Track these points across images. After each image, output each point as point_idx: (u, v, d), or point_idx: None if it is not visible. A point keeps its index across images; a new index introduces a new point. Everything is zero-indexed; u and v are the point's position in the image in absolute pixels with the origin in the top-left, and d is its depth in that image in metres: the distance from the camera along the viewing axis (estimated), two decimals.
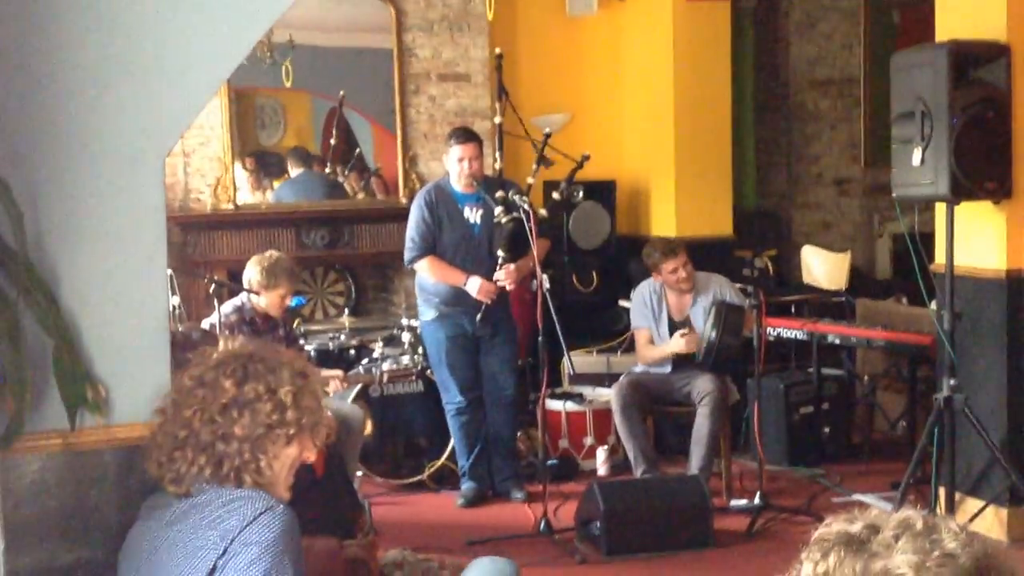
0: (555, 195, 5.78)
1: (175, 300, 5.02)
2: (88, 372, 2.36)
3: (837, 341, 5.89)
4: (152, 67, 2.44)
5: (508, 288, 5.37)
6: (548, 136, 5.69)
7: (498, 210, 5.24)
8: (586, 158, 5.68)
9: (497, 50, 6.76)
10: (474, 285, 5.31)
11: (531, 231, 4.95)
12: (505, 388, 5.49)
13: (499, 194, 5.29)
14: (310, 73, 6.80)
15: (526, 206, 5.04)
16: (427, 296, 5.49)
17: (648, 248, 5.64)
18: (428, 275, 5.44)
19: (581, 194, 6.99)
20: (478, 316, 5.33)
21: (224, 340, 4.27)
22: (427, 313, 5.50)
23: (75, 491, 2.39)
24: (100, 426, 2.39)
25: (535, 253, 4.96)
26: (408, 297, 6.87)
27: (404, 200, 6.73)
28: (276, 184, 6.90)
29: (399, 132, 6.92)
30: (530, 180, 5.64)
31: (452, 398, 5.48)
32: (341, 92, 6.81)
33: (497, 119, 5.82)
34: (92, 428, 2.39)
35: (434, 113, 6.98)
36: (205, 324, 4.87)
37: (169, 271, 3.74)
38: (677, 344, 5.46)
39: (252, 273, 4.96)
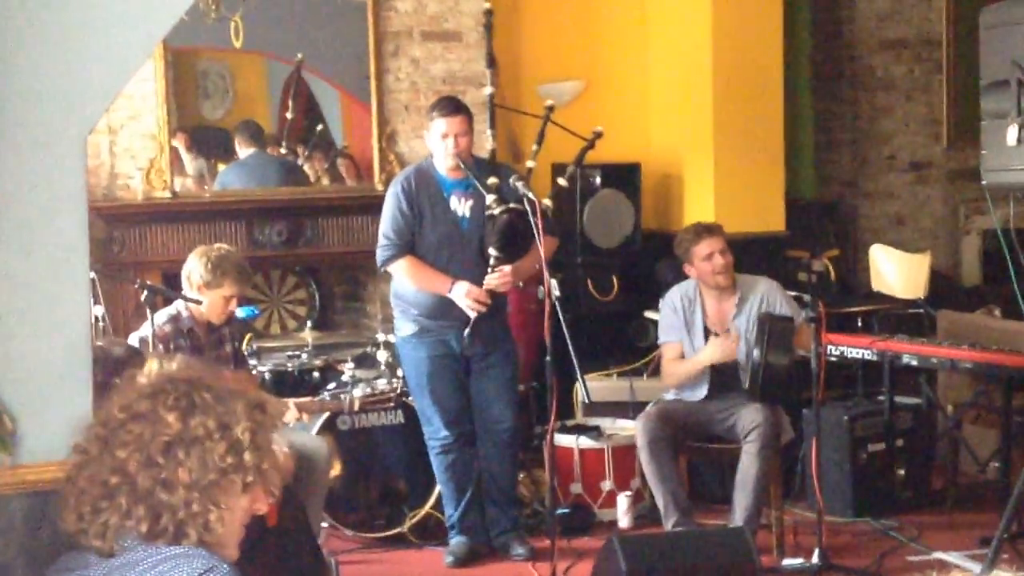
0: (561, 181, 5.77)
1: (98, 310, 5.02)
2: None
3: (914, 363, 5.88)
4: (72, 23, 2.44)
5: (502, 292, 5.36)
6: (551, 109, 5.69)
7: (490, 199, 5.24)
8: (598, 135, 5.67)
9: (486, 3, 6.76)
10: (460, 292, 5.31)
11: (537, 225, 4.95)
12: (501, 421, 5.49)
13: (491, 180, 5.30)
14: (265, 31, 6.81)
15: (530, 194, 5.04)
16: (404, 306, 5.49)
17: (679, 235, 5.65)
18: (406, 280, 5.44)
19: (598, 180, 7.03)
20: (466, 332, 5.33)
21: (156, 358, 4.28)
22: (404, 327, 5.50)
23: None
24: (5, 466, 2.39)
25: (542, 251, 4.95)
26: (384, 307, 6.85)
27: (380, 187, 6.74)
28: (222, 167, 6.90)
29: (374, 103, 6.92)
30: (530, 163, 5.64)
31: (435, 433, 5.48)
32: (299, 55, 6.81)
33: (488, 90, 5.82)
34: None
35: (417, 80, 6.98)
36: (134, 339, 4.86)
37: (92, 274, 3.73)
38: (711, 350, 5.45)
39: (193, 266, 4.97)
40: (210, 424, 2.07)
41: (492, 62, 5.79)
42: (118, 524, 2.02)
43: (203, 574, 1.95)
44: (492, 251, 5.31)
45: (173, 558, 1.98)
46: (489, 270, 5.32)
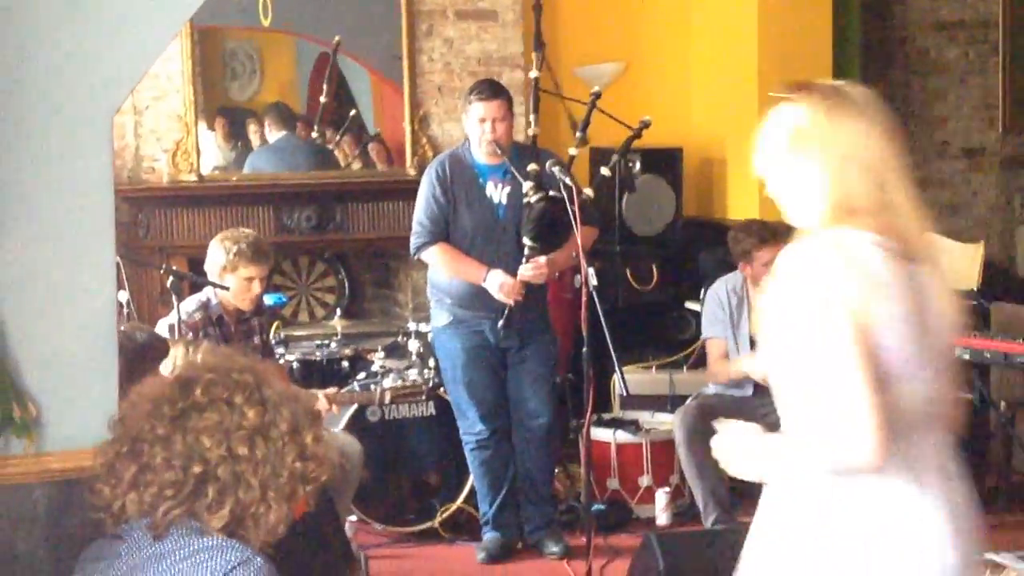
0: (604, 171, 5.74)
1: (123, 296, 5.06)
2: (15, 385, 2.39)
3: (966, 357, 5.85)
4: (98, 2, 2.46)
5: (539, 282, 5.36)
6: (597, 96, 5.67)
7: (527, 186, 5.23)
8: (646, 124, 5.64)
9: None
10: (495, 281, 5.30)
11: (574, 213, 4.94)
12: (537, 415, 5.49)
13: (531, 167, 5.28)
14: (294, 9, 6.83)
15: (567, 180, 5.03)
16: (439, 295, 5.50)
17: (739, 231, 5.62)
18: (439, 268, 5.45)
19: (638, 166, 7.01)
20: (500, 323, 5.33)
21: (184, 346, 4.31)
22: (439, 317, 5.51)
23: None
24: (29, 454, 2.41)
25: (579, 241, 4.94)
26: (416, 295, 6.89)
27: (412, 172, 6.75)
28: (251, 151, 6.93)
29: (406, 85, 6.93)
30: (572, 151, 5.61)
31: (471, 427, 5.49)
32: (336, 37, 6.83)
33: (533, 73, 5.79)
34: (19, 456, 2.42)
35: (451, 61, 6.99)
36: (162, 326, 4.90)
37: (116, 259, 3.74)
38: (750, 368, 5.42)
39: (210, 252, 5.00)
40: (282, 426, 2.09)
41: (540, 44, 5.74)
42: (177, 508, 2.02)
43: (237, 567, 1.97)
44: (527, 240, 5.31)
45: (206, 550, 1.99)
46: (524, 260, 5.32)
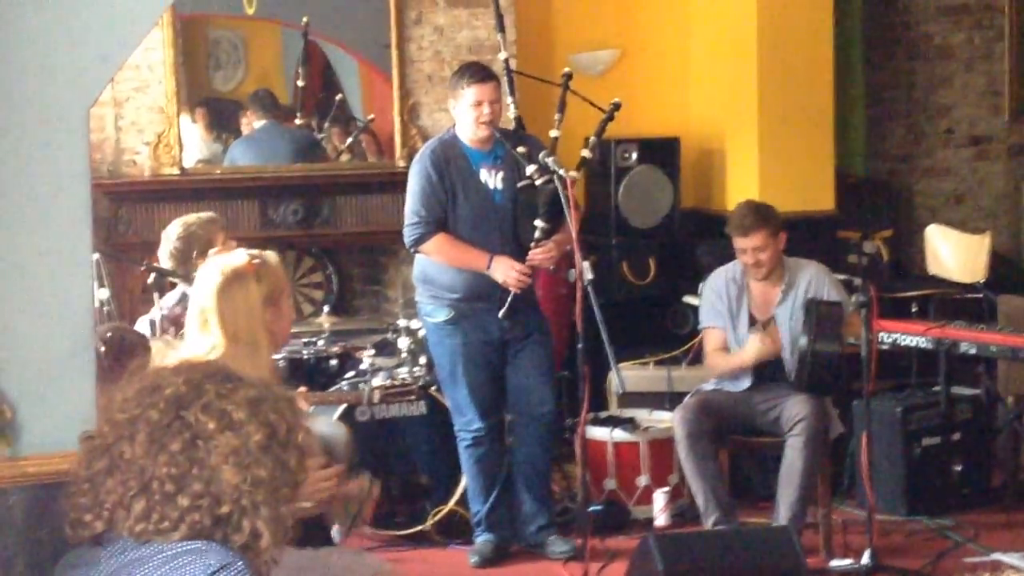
0: (584, 152, 5.74)
1: (103, 293, 5.04)
2: None
3: (972, 351, 5.86)
4: None
5: (547, 266, 5.37)
6: (569, 77, 5.69)
7: (531, 169, 5.23)
8: (616, 107, 5.65)
9: None
10: (501, 267, 5.31)
11: (568, 204, 4.94)
12: (542, 404, 5.49)
13: (520, 150, 5.30)
14: None
15: (561, 171, 5.04)
16: (436, 291, 5.49)
17: (731, 212, 5.65)
18: (439, 259, 5.44)
19: (634, 155, 7.01)
20: (501, 311, 5.32)
21: (163, 343, 4.31)
22: (437, 313, 5.50)
23: None
24: (4, 458, 2.41)
25: (574, 231, 4.95)
26: (406, 291, 6.87)
27: (402, 163, 6.74)
28: (234, 142, 6.92)
29: (395, 74, 6.93)
30: (553, 133, 5.64)
31: (468, 424, 5.49)
32: (304, 18, 6.79)
33: (502, 55, 5.81)
34: None
35: (441, 49, 6.98)
36: (143, 323, 4.89)
37: (95, 255, 3.74)
38: (752, 351, 5.45)
39: (183, 238, 4.96)
40: (283, 426, 2.09)
41: (502, 26, 5.77)
42: (166, 517, 2.01)
43: (218, 571, 1.96)
44: (539, 223, 5.31)
45: (186, 553, 1.99)
46: (532, 244, 5.32)
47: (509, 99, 5.64)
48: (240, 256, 3.64)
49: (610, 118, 5.67)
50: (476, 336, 5.44)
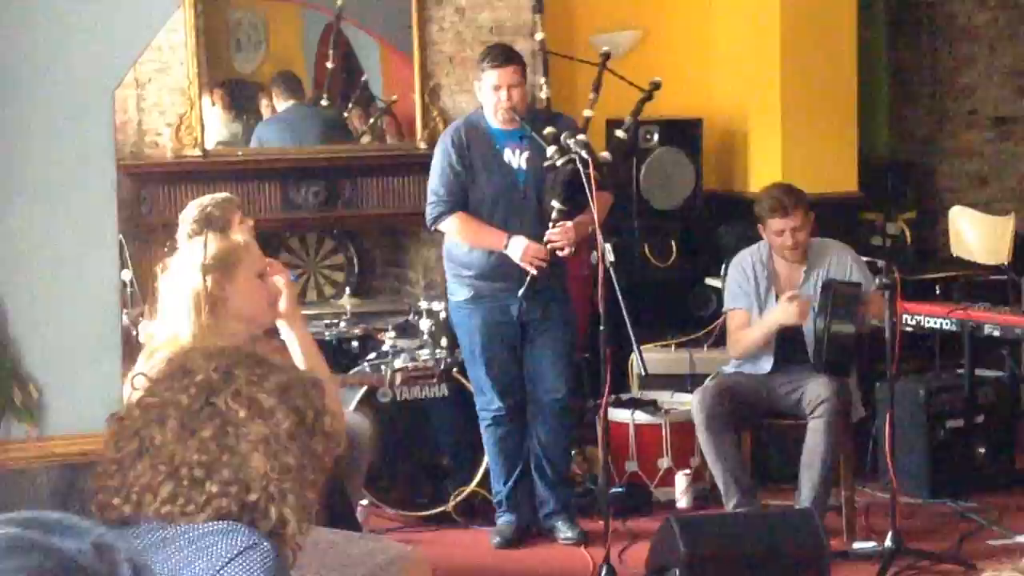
0: (619, 133, 5.76)
1: (126, 275, 5.07)
2: (16, 368, 2.40)
3: (996, 333, 5.85)
4: None
5: (565, 252, 5.35)
6: (607, 56, 5.67)
7: (551, 150, 5.23)
8: (656, 85, 5.65)
9: None
10: (517, 246, 5.30)
11: (591, 185, 4.94)
12: (555, 391, 5.50)
13: (548, 130, 5.29)
14: None
15: (583, 153, 5.03)
16: (457, 269, 5.50)
17: (762, 192, 5.64)
18: (457, 237, 5.45)
19: (656, 137, 7.00)
20: (520, 291, 5.32)
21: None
22: (459, 292, 5.52)
23: None
24: (31, 438, 2.43)
25: (595, 213, 4.94)
26: (427, 273, 6.89)
27: (423, 144, 6.75)
28: (257, 123, 6.93)
29: (416, 55, 6.92)
30: (587, 113, 5.63)
31: (488, 403, 5.50)
32: (339, 1, 6.82)
33: (539, 35, 5.81)
34: (20, 441, 2.43)
35: (462, 30, 6.97)
36: None
37: (119, 237, 3.75)
38: (781, 312, 5.41)
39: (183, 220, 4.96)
40: (310, 413, 2.10)
41: (540, 7, 5.77)
42: (192, 501, 2.03)
43: (243, 551, 1.97)
44: (555, 204, 5.31)
45: (212, 534, 2.00)
46: (551, 225, 5.32)
47: (542, 79, 5.63)
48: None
49: (648, 97, 5.66)
50: (495, 316, 5.45)
